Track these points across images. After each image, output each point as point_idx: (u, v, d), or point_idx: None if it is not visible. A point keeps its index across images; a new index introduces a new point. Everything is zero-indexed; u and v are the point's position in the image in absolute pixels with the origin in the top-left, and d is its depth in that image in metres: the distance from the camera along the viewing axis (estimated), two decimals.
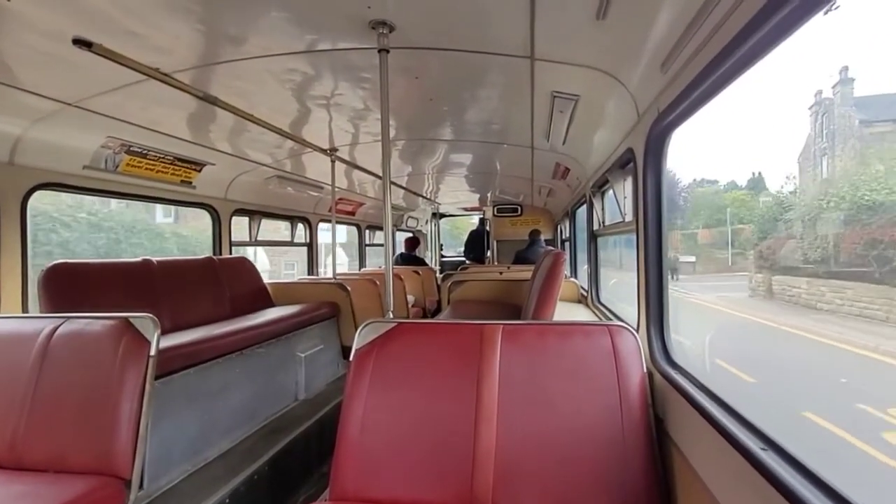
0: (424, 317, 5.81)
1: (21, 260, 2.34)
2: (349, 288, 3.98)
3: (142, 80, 1.98)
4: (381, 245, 7.81)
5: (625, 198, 2.40)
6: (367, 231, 7.37)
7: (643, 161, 1.79)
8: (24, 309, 2.36)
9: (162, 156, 2.98)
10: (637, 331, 1.73)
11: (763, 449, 0.93)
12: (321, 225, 5.56)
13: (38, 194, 2.46)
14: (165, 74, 1.97)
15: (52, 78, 1.94)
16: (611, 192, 2.74)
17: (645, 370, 1.56)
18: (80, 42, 1.65)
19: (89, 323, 1.90)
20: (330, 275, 4.70)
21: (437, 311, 5.81)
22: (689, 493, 1.30)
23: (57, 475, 1.66)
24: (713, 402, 1.22)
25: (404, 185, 5.80)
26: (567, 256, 3.29)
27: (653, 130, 1.69)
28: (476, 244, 8.89)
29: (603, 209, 3.25)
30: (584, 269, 4.50)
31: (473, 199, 7.96)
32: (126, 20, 1.58)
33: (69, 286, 2.38)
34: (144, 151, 2.85)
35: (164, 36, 1.72)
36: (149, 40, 1.73)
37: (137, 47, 1.77)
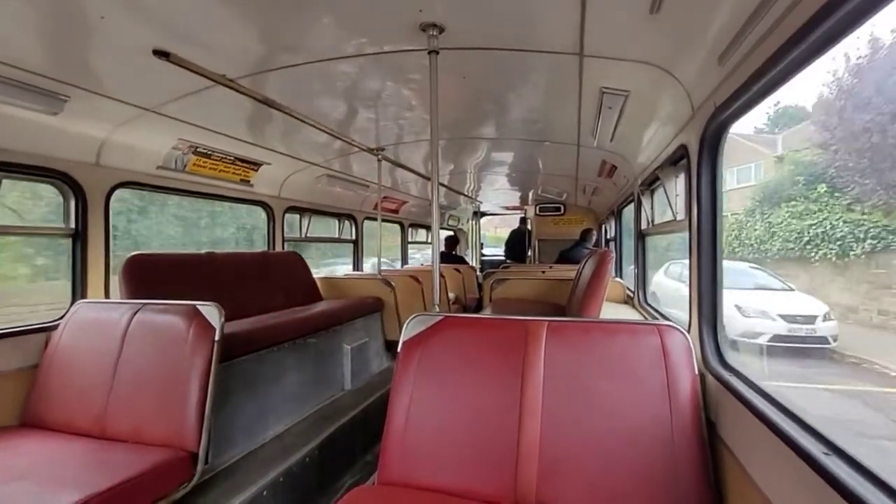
0: (465, 313, 5.85)
1: (104, 251, 2.59)
2: (393, 284, 4.09)
3: (210, 86, 2.15)
4: (423, 242, 7.95)
5: (676, 195, 2.32)
6: (410, 229, 7.50)
7: (697, 157, 1.74)
8: (106, 294, 2.61)
9: (224, 156, 3.19)
10: (688, 331, 1.69)
11: (826, 454, 0.90)
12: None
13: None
14: (231, 80, 2.12)
15: (135, 86, 2.14)
16: (660, 190, 2.66)
17: (697, 372, 1.52)
18: (159, 53, 1.81)
19: (164, 309, 2.09)
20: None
21: (478, 308, 5.83)
22: (742, 498, 1.26)
23: (136, 445, 1.84)
24: (771, 406, 1.17)
25: (447, 183, 5.86)
26: (613, 256, 3.21)
27: (709, 126, 1.64)
28: (517, 243, 8.82)
29: (652, 208, 3.15)
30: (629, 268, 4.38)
31: (515, 198, 7.90)
32: (199, 31, 1.72)
33: (145, 275, 2.62)
34: (209, 152, 3.06)
35: (231, 45, 1.85)
36: (217, 49, 1.88)
37: (208, 56, 1.92)
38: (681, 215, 2.22)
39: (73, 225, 2.48)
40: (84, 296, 2.49)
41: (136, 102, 2.28)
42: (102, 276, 2.60)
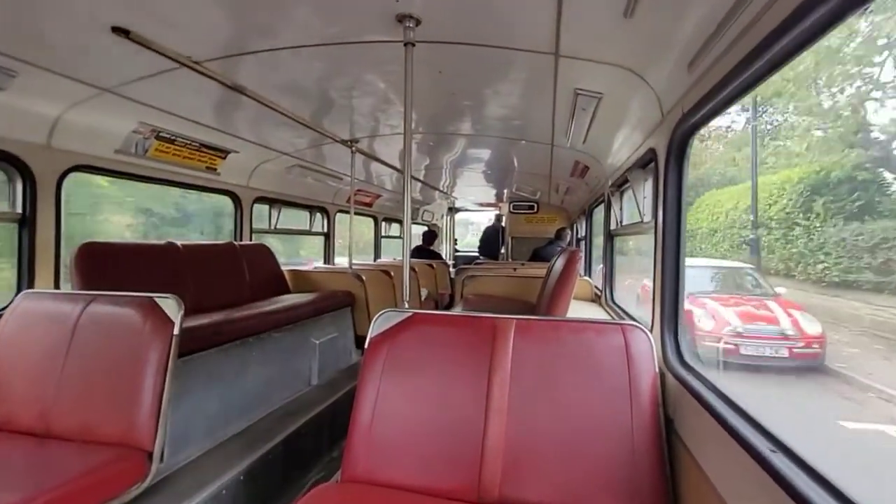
0: (436, 310, 5.85)
1: (55, 239, 2.44)
2: (364, 278, 4.04)
3: (174, 67, 2.04)
4: (397, 237, 7.89)
5: (644, 198, 2.38)
6: (384, 223, 7.43)
7: (665, 161, 1.79)
8: (56, 285, 2.46)
9: (189, 142, 3.06)
10: (651, 331, 1.73)
11: (772, 451, 0.94)
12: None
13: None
14: (197, 63, 2.02)
15: (90, 64, 2.01)
16: (630, 191, 2.72)
17: (657, 370, 1.56)
18: (118, 30, 1.71)
19: (117, 301, 1.98)
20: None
21: (450, 304, 5.85)
22: (696, 493, 1.31)
23: (84, 444, 1.74)
24: (724, 404, 1.22)
25: (422, 178, 5.83)
26: (582, 255, 3.27)
27: (676, 131, 1.68)
28: (490, 240, 8.90)
29: (621, 209, 3.23)
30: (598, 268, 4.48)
31: (489, 195, 7.95)
32: (162, 9, 1.63)
33: (100, 265, 2.48)
34: (173, 137, 2.93)
35: (198, 26, 1.77)
36: (183, 30, 1.78)
37: (172, 36, 1.82)
38: (647, 217, 2.28)
39: (19, 210, 2.33)
40: (31, 286, 2.34)
41: (92, 81, 2.15)
42: (52, 265, 2.45)
